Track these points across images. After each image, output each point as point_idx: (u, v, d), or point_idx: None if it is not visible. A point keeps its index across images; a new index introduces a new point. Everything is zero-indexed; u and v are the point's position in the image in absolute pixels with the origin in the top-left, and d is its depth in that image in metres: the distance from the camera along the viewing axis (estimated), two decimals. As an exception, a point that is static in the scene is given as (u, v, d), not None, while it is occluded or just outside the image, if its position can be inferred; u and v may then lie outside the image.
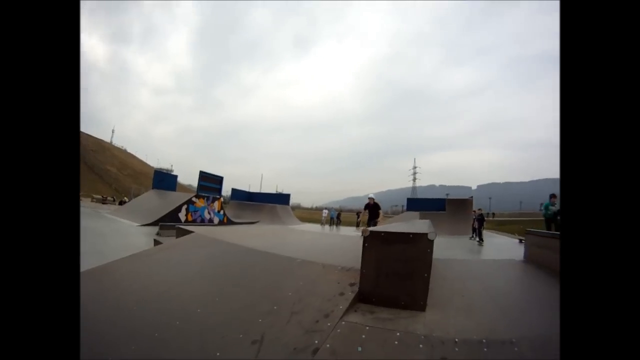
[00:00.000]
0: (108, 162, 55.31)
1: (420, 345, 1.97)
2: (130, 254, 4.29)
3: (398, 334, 2.08)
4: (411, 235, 2.56)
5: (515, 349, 1.95)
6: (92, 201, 28.38)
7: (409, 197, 30.55)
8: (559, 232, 5.00)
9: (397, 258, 2.55)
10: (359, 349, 1.94)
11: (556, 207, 8.02)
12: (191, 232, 4.96)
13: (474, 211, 17.86)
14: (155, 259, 4.03)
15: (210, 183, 17.36)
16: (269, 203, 22.99)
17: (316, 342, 1.98)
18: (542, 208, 9.31)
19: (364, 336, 2.06)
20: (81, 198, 27.03)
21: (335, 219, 25.56)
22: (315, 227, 22.16)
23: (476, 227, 16.04)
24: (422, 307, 2.46)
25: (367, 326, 2.17)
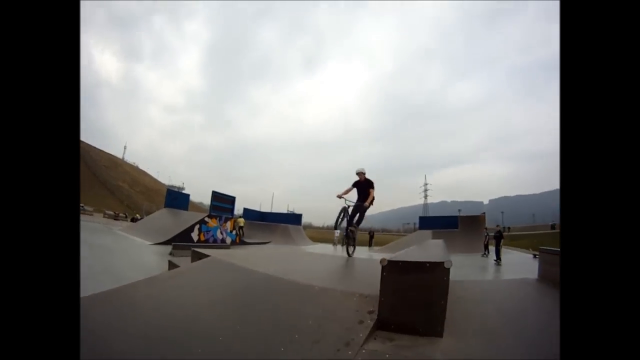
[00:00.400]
0: (120, 178, 56.18)
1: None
2: (146, 277, 4.36)
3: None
4: (428, 265, 2.63)
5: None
6: (104, 217, 28.83)
7: (421, 214, 30.29)
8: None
9: (414, 286, 2.62)
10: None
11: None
12: (207, 255, 5.05)
13: (485, 228, 17.60)
14: (172, 284, 4.09)
15: (222, 203, 17.67)
16: (282, 223, 23.02)
17: (339, 371, 2.03)
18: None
19: (385, 364, 2.10)
20: (93, 213, 27.55)
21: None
22: (327, 248, 22.06)
23: (486, 243, 15.73)
24: (439, 333, 2.50)
25: (387, 354, 2.22)
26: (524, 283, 5.16)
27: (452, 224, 20.81)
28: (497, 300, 3.89)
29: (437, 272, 2.60)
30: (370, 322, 2.56)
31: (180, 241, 12.60)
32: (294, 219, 27.06)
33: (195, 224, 15.09)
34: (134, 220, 26.95)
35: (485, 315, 3.16)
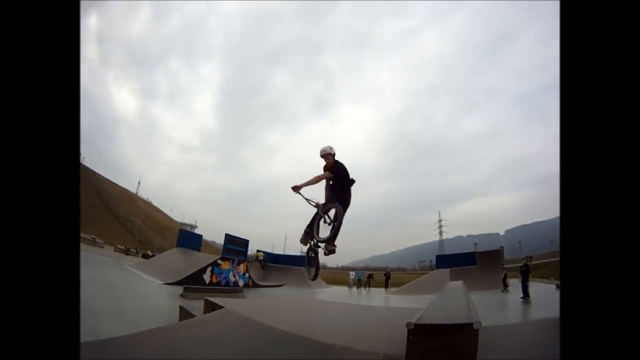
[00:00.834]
0: (133, 213, 56.53)
1: None
2: (155, 327, 4.24)
3: None
4: (456, 327, 2.49)
5: None
6: (115, 250, 28.59)
7: (437, 253, 29.49)
8: None
9: (442, 350, 2.47)
10: None
11: None
12: (221, 306, 4.92)
13: (501, 264, 16.97)
14: (185, 336, 3.96)
15: (235, 246, 17.61)
16: (295, 266, 22.53)
17: None
18: None
19: None
20: (104, 246, 27.46)
21: (364, 280, 24.49)
22: (342, 290, 21.45)
23: (504, 278, 15.02)
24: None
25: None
26: (548, 324, 4.74)
27: (470, 260, 20.07)
28: (525, 349, 3.60)
29: (465, 333, 2.46)
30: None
31: (192, 282, 12.41)
32: (308, 261, 26.21)
33: (208, 265, 14.92)
34: (145, 256, 26.79)
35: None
